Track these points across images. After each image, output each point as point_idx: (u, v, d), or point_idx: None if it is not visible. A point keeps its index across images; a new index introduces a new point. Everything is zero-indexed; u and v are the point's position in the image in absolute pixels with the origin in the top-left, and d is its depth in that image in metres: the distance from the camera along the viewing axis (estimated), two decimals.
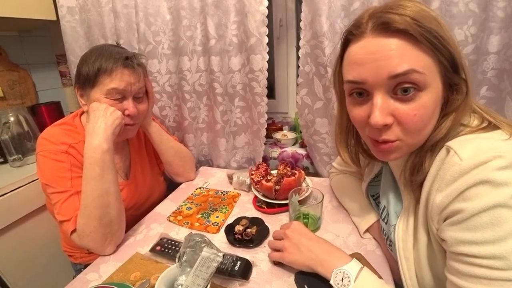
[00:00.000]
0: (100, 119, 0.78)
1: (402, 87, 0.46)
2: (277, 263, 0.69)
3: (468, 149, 0.43)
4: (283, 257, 0.66)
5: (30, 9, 1.25)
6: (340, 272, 0.55)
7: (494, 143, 0.44)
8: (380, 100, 0.48)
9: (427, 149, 0.50)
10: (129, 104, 0.84)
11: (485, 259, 0.40)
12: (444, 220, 0.46)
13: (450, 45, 0.46)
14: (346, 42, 0.53)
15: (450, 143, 0.47)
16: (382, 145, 0.51)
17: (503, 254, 0.39)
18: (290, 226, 0.69)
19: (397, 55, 0.45)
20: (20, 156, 1.22)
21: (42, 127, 1.04)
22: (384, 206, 0.67)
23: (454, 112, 0.48)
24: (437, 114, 0.49)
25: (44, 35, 1.61)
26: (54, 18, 1.34)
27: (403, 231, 0.57)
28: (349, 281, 0.53)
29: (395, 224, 0.60)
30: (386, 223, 0.66)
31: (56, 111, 1.55)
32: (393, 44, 0.45)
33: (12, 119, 1.23)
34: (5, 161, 1.25)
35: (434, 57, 0.45)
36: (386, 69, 0.45)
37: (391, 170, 0.65)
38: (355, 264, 0.56)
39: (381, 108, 0.47)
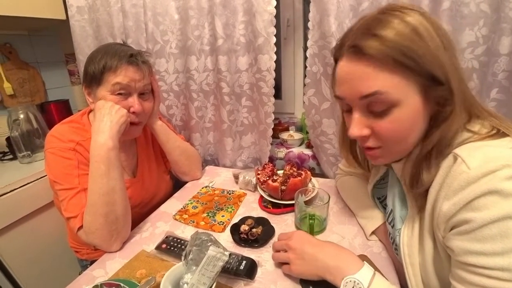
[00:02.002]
0: (106, 117, 0.79)
1: (374, 105, 0.50)
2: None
3: (476, 158, 0.43)
4: (290, 271, 0.63)
5: (40, 9, 1.26)
6: (350, 281, 0.52)
7: (502, 151, 0.43)
8: (357, 114, 0.53)
9: (421, 160, 0.51)
10: (134, 101, 0.85)
11: (494, 270, 0.40)
12: (451, 229, 0.46)
13: (428, 62, 0.46)
14: (335, 58, 0.57)
15: (457, 151, 0.46)
16: (367, 151, 0.57)
17: (511, 266, 0.39)
18: (292, 236, 0.67)
19: (366, 77, 0.49)
20: (29, 152, 1.24)
21: (51, 125, 1.05)
22: (391, 210, 0.66)
23: (443, 124, 0.49)
24: (418, 126, 0.51)
25: (53, 34, 1.63)
26: (63, 17, 1.35)
27: (408, 236, 0.57)
28: None
29: (400, 229, 0.59)
30: (392, 227, 0.65)
31: (64, 109, 1.57)
32: (363, 68, 0.49)
33: (22, 116, 1.25)
34: (15, 158, 1.26)
35: (406, 76, 0.47)
36: (357, 90, 0.50)
37: (397, 175, 0.64)
38: (367, 270, 0.53)
39: (357, 122, 0.53)
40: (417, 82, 0.47)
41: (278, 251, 0.69)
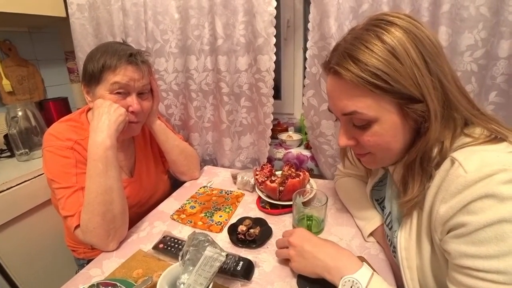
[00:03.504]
0: (104, 116, 0.78)
1: (354, 121, 0.55)
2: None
3: (473, 162, 0.44)
4: (291, 267, 0.65)
5: (40, 6, 1.26)
6: (349, 280, 0.52)
7: (499, 155, 0.44)
8: (342, 127, 0.59)
9: (408, 167, 0.54)
10: (132, 101, 0.85)
11: (489, 273, 0.40)
12: (448, 232, 0.46)
13: (403, 85, 0.48)
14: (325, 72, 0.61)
15: (455, 154, 0.47)
16: (358, 156, 0.62)
17: (507, 269, 0.39)
18: (293, 233, 0.68)
19: (344, 97, 0.54)
20: (27, 150, 1.23)
21: (49, 123, 1.05)
22: (389, 212, 0.66)
23: (423, 137, 0.51)
24: (400, 137, 0.53)
25: (53, 31, 1.62)
26: (63, 15, 1.35)
27: (405, 240, 0.57)
28: None
29: (397, 231, 0.59)
30: (390, 229, 0.65)
31: (63, 107, 1.56)
32: (342, 89, 0.54)
33: (20, 113, 1.24)
34: (12, 155, 1.26)
35: (382, 96, 0.50)
36: (338, 107, 0.56)
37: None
38: (365, 271, 0.54)
39: (343, 133, 0.59)
40: (392, 101, 0.50)
41: (281, 247, 0.70)
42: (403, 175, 0.56)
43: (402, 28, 0.49)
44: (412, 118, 0.50)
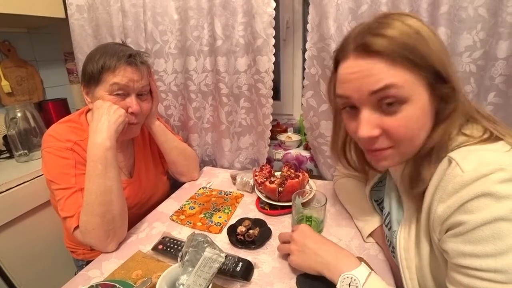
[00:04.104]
0: (104, 117, 0.78)
1: (385, 101, 0.48)
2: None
3: (470, 161, 0.44)
4: (290, 261, 0.66)
5: (39, 7, 1.26)
6: (347, 277, 0.54)
7: (496, 155, 0.44)
8: (365, 114, 0.51)
9: (422, 158, 0.51)
10: (132, 102, 0.85)
11: (486, 272, 0.40)
12: (446, 231, 0.46)
13: (433, 59, 0.47)
14: (336, 61, 0.57)
15: (452, 154, 0.47)
16: (375, 152, 0.54)
17: (504, 268, 0.39)
18: (297, 229, 0.69)
19: (376, 73, 0.48)
20: (26, 151, 1.23)
21: (48, 123, 1.05)
22: (388, 212, 0.66)
23: (446, 121, 0.49)
24: (427, 124, 0.50)
25: (52, 32, 1.62)
26: (63, 16, 1.35)
27: (405, 239, 0.57)
28: (356, 286, 0.52)
29: (396, 231, 0.60)
30: (389, 230, 0.65)
31: (62, 107, 1.56)
32: (372, 64, 0.48)
33: (19, 114, 1.24)
34: (12, 156, 1.26)
35: (414, 72, 0.47)
36: (366, 87, 0.49)
37: (393, 178, 0.65)
38: (363, 269, 0.55)
39: (366, 122, 0.51)
40: (425, 79, 0.48)
41: (283, 242, 0.71)
42: (415, 166, 0.53)
43: (418, 19, 0.49)
44: (437, 100, 0.49)
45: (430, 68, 0.47)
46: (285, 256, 0.70)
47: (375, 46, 0.47)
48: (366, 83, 0.49)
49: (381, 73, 0.47)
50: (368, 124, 0.51)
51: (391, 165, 0.56)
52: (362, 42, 0.49)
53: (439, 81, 0.48)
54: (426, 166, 0.51)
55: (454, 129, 0.49)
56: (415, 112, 0.48)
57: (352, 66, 0.51)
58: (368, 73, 0.49)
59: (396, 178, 0.63)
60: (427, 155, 0.51)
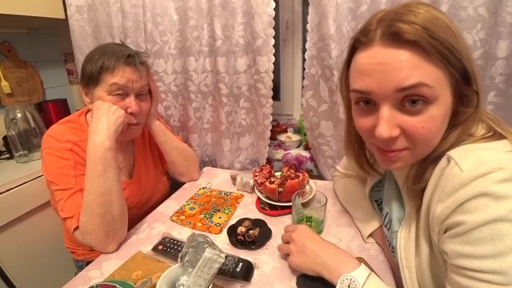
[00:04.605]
0: (103, 118, 0.78)
1: (410, 99, 0.44)
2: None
3: (469, 160, 0.43)
4: (289, 261, 0.66)
5: (39, 8, 1.26)
6: (347, 278, 0.53)
7: (496, 154, 0.43)
8: (386, 112, 0.46)
9: (431, 159, 0.50)
10: (131, 102, 0.85)
11: (485, 274, 0.39)
12: (445, 232, 0.45)
13: (463, 56, 0.43)
14: (354, 49, 0.51)
15: (451, 153, 0.46)
16: (389, 153, 0.50)
17: (503, 269, 0.38)
18: (296, 229, 0.69)
19: (406, 67, 0.43)
20: (26, 152, 1.23)
21: (48, 124, 1.05)
22: (387, 213, 0.66)
23: (462, 124, 0.47)
24: (445, 126, 0.48)
25: (52, 33, 1.62)
26: (62, 16, 1.35)
27: (405, 239, 0.57)
28: None
29: (397, 231, 0.59)
30: (388, 230, 0.65)
31: (62, 108, 1.56)
32: (403, 56, 0.43)
33: (19, 115, 1.24)
34: (12, 157, 1.26)
35: (445, 69, 0.44)
36: (394, 82, 0.44)
37: (395, 177, 0.64)
38: (363, 270, 0.55)
39: (387, 120, 0.46)
40: (452, 77, 0.44)
41: (284, 242, 0.71)
42: (422, 166, 0.51)
43: (442, 13, 0.46)
44: (459, 102, 0.47)
45: (460, 66, 0.44)
46: (285, 256, 0.69)
47: (408, 35, 0.42)
48: (394, 78, 0.44)
49: (413, 68, 0.43)
50: (388, 123, 0.46)
51: (403, 166, 0.52)
52: (393, 29, 0.43)
53: (464, 81, 0.45)
54: (431, 166, 0.49)
55: (467, 133, 0.48)
56: (440, 113, 0.45)
57: (378, 56, 0.45)
58: (397, 66, 0.43)
59: (398, 177, 0.62)
60: (437, 158, 0.48)
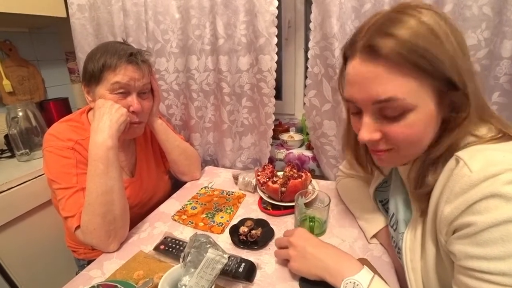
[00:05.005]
0: (105, 116, 0.78)
1: (388, 110, 0.47)
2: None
3: (478, 161, 0.42)
4: (290, 267, 0.64)
5: (40, 6, 1.26)
6: (350, 282, 0.52)
7: (505, 155, 0.42)
8: (367, 119, 0.50)
9: (429, 163, 0.50)
10: (133, 100, 0.84)
11: (494, 275, 0.39)
12: (453, 233, 0.45)
13: (445, 65, 0.44)
14: (346, 56, 0.54)
15: (460, 153, 0.46)
16: (375, 153, 0.55)
17: None
18: (293, 233, 0.67)
19: (381, 82, 0.46)
20: (27, 150, 1.23)
21: (50, 123, 1.05)
22: (394, 213, 0.66)
23: (456, 129, 0.47)
24: (432, 130, 0.49)
25: (53, 31, 1.62)
26: (64, 15, 1.35)
27: (411, 241, 0.56)
28: None
29: (403, 232, 0.59)
30: (395, 230, 0.65)
31: (64, 107, 1.56)
32: (378, 70, 0.46)
33: (20, 114, 1.24)
34: (13, 156, 1.25)
35: (421, 79, 0.45)
36: (370, 95, 0.48)
37: (401, 177, 0.64)
38: (366, 273, 0.54)
39: (367, 125, 0.51)
40: (433, 86, 0.45)
41: (281, 247, 0.69)
42: (422, 169, 0.52)
43: (437, 14, 0.45)
44: (447, 108, 0.47)
45: (440, 76, 0.44)
46: (286, 260, 0.68)
47: (382, 50, 0.44)
48: (370, 91, 0.48)
49: (385, 83, 0.46)
50: (368, 128, 0.51)
51: (393, 165, 0.57)
52: (370, 43, 0.46)
53: (450, 88, 0.45)
54: (432, 171, 0.50)
55: (464, 137, 0.48)
56: (419, 120, 0.47)
57: (358, 69, 0.49)
58: (373, 80, 0.47)
59: (405, 178, 0.62)
60: (435, 162, 0.49)
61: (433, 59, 0.43)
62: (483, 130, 0.49)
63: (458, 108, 0.47)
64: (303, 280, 0.63)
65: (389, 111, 0.47)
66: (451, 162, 0.47)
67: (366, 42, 0.47)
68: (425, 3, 0.48)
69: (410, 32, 0.43)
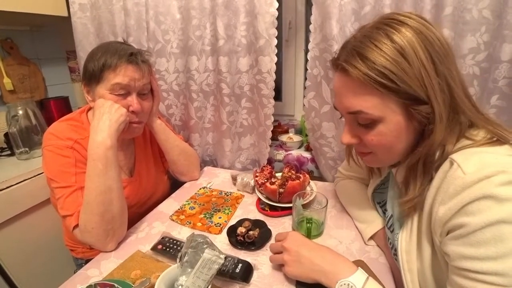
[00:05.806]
0: (105, 116, 0.78)
1: (360, 119, 0.54)
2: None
3: (472, 163, 0.44)
4: (285, 272, 0.64)
5: (42, 5, 1.26)
6: (344, 284, 0.53)
7: (498, 158, 0.44)
8: (347, 125, 0.59)
9: (410, 169, 0.54)
10: (133, 100, 0.85)
11: (487, 275, 0.40)
12: (447, 234, 0.46)
13: (410, 84, 0.47)
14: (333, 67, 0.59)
15: (454, 156, 0.47)
16: (360, 155, 0.63)
17: (505, 271, 0.39)
18: (286, 237, 0.66)
19: (351, 95, 0.53)
20: (27, 149, 1.23)
21: (50, 121, 1.05)
22: (391, 215, 0.66)
23: (426, 140, 0.50)
24: (405, 138, 0.53)
25: (55, 30, 1.62)
26: (65, 14, 1.35)
27: (406, 242, 0.57)
28: None
29: (399, 233, 0.59)
30: (391, 232, 0.65)
31: (64, 106, 1.57)
32: (349, 86, 0.53)
33: (20, 112, 1.24)
34: (12, 154, 1.26)
35: (388, 96, 0.49)
36: (344, 106, 0.55)
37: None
38: (360, 275, 0.54)
39: (346, 131, 0.59)
40: (398, 101, 0.49)
41: (275, 253, 0.69)
42: (405, 176, 0.56)
43: (413, 28, 0.48)
44: (416, 119, 0.50)
45: (403, 93, 0.48)
46: (281, 265, 0.67)
47: (351, 72, 0.50)
48: (343, 103, 0.55)
49: (354, 98, 0.52)
50: (347, 134, 0.59)
51: (377, 165, 0.68)
52: (344, 64, 0.52)
53: (417, 102, 0.48)
54: (412, 178, 0.54)
55: (435, 149, 0.50)
56: (388, 130, 0.52)
57: (337, 81, 0.57)
58: (345, 94, 0.54)
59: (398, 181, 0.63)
60: (413, 168, 0.53)
61: (397, 80, 0.47)
62: (478, 134, 0.50)
63: (428, 120, 0.49)
64: (299, 282, 0.63)
65: (361, 120, 0.54)
66: (446, 164, 0.48)
67: (342, 61, 0.53)
68: (409, 12, 0.51)
69: (380, 57, 0.48)
